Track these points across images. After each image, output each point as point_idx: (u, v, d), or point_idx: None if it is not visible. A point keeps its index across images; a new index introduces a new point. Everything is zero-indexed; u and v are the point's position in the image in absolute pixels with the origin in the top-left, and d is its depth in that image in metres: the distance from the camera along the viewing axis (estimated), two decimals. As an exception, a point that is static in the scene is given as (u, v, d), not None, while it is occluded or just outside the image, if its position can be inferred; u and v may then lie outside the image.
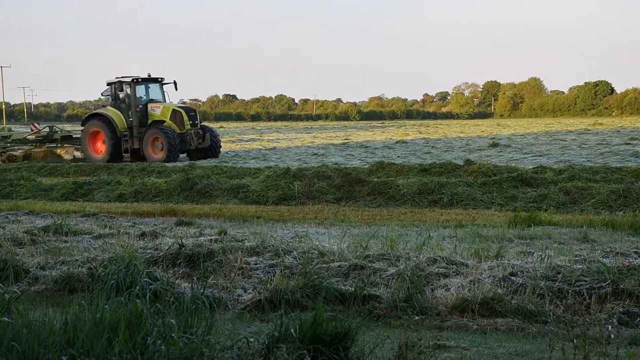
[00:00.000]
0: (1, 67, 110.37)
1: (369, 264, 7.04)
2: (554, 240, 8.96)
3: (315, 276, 6.38)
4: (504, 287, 6.28)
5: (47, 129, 32.06)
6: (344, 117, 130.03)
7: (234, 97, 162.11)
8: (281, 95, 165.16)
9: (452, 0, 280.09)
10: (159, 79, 29.66)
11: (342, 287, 6.38)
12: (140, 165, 22.63)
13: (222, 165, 21.48)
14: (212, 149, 29.06)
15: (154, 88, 29.54)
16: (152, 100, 28.95)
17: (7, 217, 11.83)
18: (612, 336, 4.57)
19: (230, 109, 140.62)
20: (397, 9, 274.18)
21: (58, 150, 30.17)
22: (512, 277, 6.46)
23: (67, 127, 41.00)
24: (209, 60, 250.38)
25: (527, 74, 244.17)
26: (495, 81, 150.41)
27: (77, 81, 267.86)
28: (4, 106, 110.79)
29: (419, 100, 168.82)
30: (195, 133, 28.26)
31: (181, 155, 28.62)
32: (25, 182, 17.57)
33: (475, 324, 5.78)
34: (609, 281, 6.13)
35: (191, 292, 5.51)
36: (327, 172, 15.83)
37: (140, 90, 29.06)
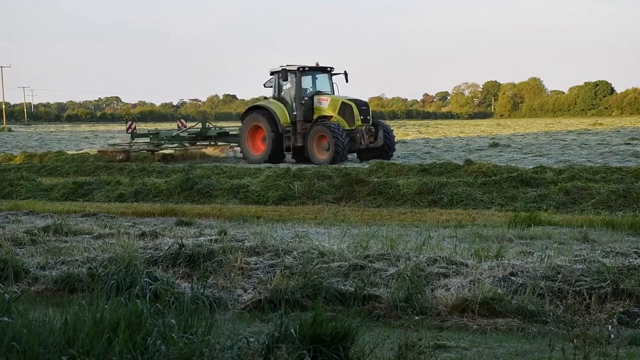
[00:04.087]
0: (1, 67, 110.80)
1: (369, 264, 7.04)
2: (554, 240, 8.96)
3: (315, 276, 6.38)
4: (504, 287, 6.29)
5: (199, 125, 29.53)
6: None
7: (234, 97, 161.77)
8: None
9: (452, 1, 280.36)
10: (328, 69, 26.03)
11: (342, 287, 6.38)
12: (140, 165, 22.61)
13: (222, 165, 21.49)
14: (384, 149, 24.60)
15: (321, 79, 25.97)
16: (319, 92, 25.38)
17: (7, 217, 11.80)
18: (612, 336, 4.58)
19: (230, 109, 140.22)
20: (397, 9, 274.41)
21: (208, 150, 27.62)
22: (512, 277, 6.46)
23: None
24: (208, 60, 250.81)
25: (527, 74, 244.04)
26: (495, 81, 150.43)
27: (77, 81, 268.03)
28: (4, 106, 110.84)
29: (419, 100, 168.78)
30: (366, 130, 24.23)
31: (350, 156, 24.77)
32: (25, 182, 17.55)
33: (475, 324, 5.79)
34: (609, 281, 6.13)
35: (191, 292, 5.50)
36: (327, 172, 15.84)
37: (307, 81, 25.58)
